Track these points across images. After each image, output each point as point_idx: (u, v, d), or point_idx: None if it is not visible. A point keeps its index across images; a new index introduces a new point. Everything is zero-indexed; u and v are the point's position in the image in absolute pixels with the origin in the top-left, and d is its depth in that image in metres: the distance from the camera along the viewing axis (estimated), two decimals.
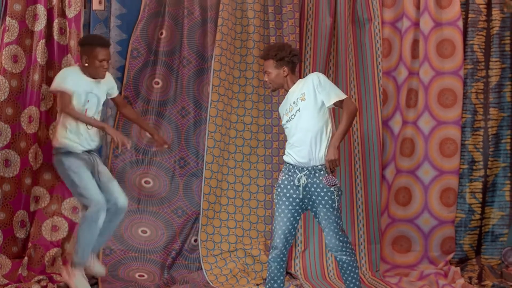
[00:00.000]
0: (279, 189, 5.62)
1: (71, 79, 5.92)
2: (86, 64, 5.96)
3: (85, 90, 5.96)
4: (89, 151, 6.06)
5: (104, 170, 6.15)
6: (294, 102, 5.56)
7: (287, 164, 5.61)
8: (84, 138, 6.00)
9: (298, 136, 5.51)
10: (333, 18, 7.26)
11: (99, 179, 6.03)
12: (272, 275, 5.65)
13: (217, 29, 7.14)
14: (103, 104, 6.24)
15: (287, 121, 5.61)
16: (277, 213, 5.63)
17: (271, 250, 5.64)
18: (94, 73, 5.99)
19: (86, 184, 5.89)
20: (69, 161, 5.94)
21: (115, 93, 6.40)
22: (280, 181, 5.63)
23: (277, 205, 5.63)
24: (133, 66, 7.16)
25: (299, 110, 5.51)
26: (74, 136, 5.96)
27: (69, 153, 5.95)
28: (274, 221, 5.66)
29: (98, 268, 6.18)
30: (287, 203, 5.57)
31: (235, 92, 7.25)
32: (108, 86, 6.26)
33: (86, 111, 5.98)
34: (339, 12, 7.25)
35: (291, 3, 7.23)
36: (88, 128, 5.98)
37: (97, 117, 6.11)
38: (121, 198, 6.06)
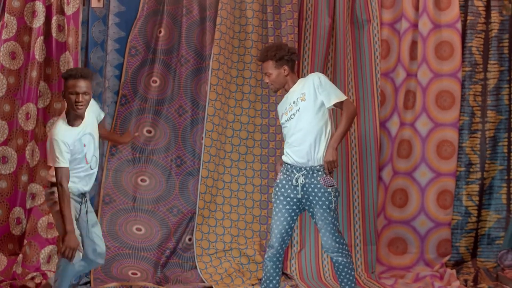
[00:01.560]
0: (277, 189, 5.63)
1: (63, 149, 5.31)
2: (64, 99, 5.45)
3: (76, 138, 5.41)
4: (83, 194, 5.64)
5: (91, 214, 5.74)
6: (294, 102, 5.55)
7: (285, 164, 5.61)
8: (83, 182, 5.58)
9: (297, 136, 5.51)
10: (332, 18, 7.25)
11: (86, 227, 5.64)
12: (268, 274, 5.65)
13: (215, 28, 7.14)
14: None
15: (286, 121, 5.61)
16: (274, 213, 5.63)
17: (268, 249, 5.65)
18: (71, 109, 5.37)
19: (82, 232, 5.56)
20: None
21: (102, 116, 5.88)
22: (278, 181, 5.64)
23: (275, 205, 5.63)
24: (131, 64, 7.15)
25: (298, 110, 5.50)
26: (73, 179, 5.48)
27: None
28: (271, 220, 5.66)
29: None
30: (284, 202, 5.58)
31: (232, 92, 7.24)
32: (95, 112, 5.72)
33: (86, 155, 5.47)
34: (338, 13, 7.25)
35: (290, 3, 7.22)
36: (92, 168, 5.58)
37: (97, 153, 5.63)
38: (100, 246, 5.73)
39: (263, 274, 5.69)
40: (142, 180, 7.19)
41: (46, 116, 7.02)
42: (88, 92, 5.36)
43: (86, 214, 5.62)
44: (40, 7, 6.93)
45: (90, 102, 5.52)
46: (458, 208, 7.29)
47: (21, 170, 6.92)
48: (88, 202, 5.69)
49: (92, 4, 7.09)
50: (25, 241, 6.82)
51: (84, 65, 7.02)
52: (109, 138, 6.43)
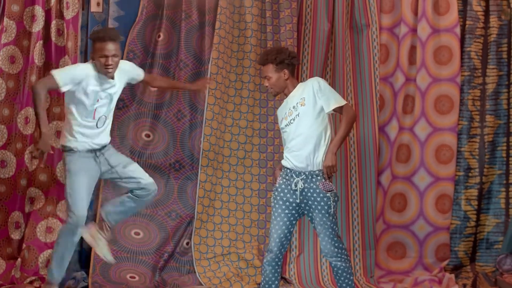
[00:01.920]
0: (276, 193, 5.63)
1: (69, 76, 5.53)
2: (93, 61, 5.62)
3: (94, 89, 5.58)
4: (96, 150, 5.76)
5: (117, 160, 5.87)
6: (293, 107, 5.56)
7: (285, 169, 5.62)
8: (89, 139, 5.71)
9: (296, 140, 5.52)
10: (331, 23, 7.26)
11: (116, 172, 5.82)
12: (267, 279, 5.65)
13: (214, 32, 7.14)
14: None
15: (285, 125, 5.61)
16: (273, 217, 5.63)
17: (266, 253, 5.65)
18: (100, 70, 5.56)
19: (76, 192, 5.63)
20: (72, 161, 5.68)
21: (140, 76, 6.04)
22: (277, 185, 5.64)
23: (274, 209, 5.64)
24: None
25: (298, 115, 5.51)
26: (78, 136, 5.67)
27: (72, 152, 5.70)
28: (270, 225, 5.66)
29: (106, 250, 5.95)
30: (283, 207, 5.58)
31: (231, 96, 7.24)
32: (128, 76, 5.91)
33: (95, 111, 5.64)
34: (337, 17, 7.25)
35: (289, 8, 7.22)
36: (98, 127, 5.71)
37: (110, 115, 5.81)
38: (144, 178, 5.87)
39: (262, 279, 5.69)
40: None
41: None
42: (117, 54, 5.51)
43: (108, 163, 5.76)
44: (39, 12, 6.92)
45: (124, 66, 5.76)
46: (457, 212, 7.29)
47: (20, 174, 6.91)
48: (108, 152, 5.81)
49: (92, 9, 7.10)
50: (24, 245, 6.81)
51: None
52: (174, 86, 6.69)
